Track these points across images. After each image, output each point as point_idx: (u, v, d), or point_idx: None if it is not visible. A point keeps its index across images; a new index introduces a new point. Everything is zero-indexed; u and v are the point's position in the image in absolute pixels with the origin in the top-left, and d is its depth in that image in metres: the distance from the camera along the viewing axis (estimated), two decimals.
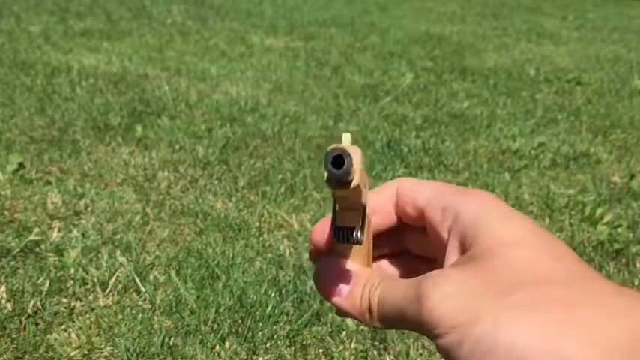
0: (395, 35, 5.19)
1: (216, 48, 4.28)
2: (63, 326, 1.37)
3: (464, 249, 0.28)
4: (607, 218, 1.96)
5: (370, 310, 0.30)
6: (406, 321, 0.27)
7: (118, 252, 1.65)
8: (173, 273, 1.58)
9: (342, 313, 0.31)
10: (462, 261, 0.28)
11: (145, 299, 1.49)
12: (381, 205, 0.33)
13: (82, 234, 1.73)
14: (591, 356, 0.22)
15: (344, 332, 1.41)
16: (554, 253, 0.26)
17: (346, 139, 0.28)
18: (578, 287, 0.24)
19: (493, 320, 0.24)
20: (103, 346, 1.32)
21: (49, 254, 1.62)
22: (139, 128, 2.53)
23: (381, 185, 0.34)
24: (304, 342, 1.38)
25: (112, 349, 1.32)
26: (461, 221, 0.29)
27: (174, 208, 1.92)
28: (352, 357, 1.34)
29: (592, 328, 0.22)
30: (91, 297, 1.48)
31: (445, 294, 0.26)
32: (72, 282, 1.52)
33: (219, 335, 1.36)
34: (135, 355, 1.30)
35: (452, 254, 0.29)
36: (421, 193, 0.32)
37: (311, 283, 1.55)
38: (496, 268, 0.26)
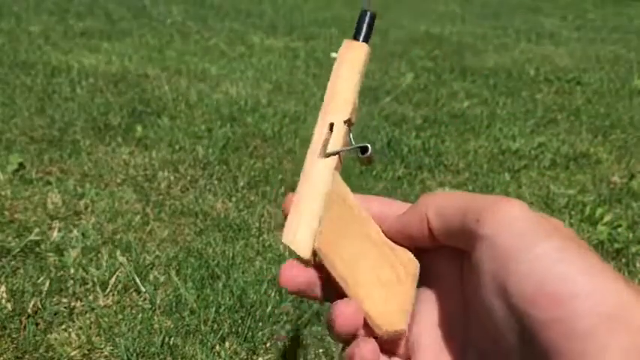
0: (395, 35, 5.19)
1: (216, 48, 4.28)
2: (63, 326, 1.37)
3: None
4: (607, 218, 1.96)
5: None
6: (463, 223, 0.27)
7: (118, 252, 1.65)
8: (173, 273, 1.58)
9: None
10: None
11: (145, 299, 1.49)
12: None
13: (82, 234, 1.73)
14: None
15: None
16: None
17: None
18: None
19: (554, 246, 0.24)
20: (103, 346, 1.32)
21: (49, 254, 1.62)
22: (139, 128, 2.53)
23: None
24: (304, 342, 1.38)
25: (112, 349, 1.32)
26: None
27: (174, 208, 1.92)
28: None
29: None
30: (91, 297, 1.48)
31: (519, 206, 0.26)
32: (72, 282, 1.52)
33: (219, 335, 1.36)
34: (135, 355, 1.30)
35: None
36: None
37: None
38: None
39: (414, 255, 0.32)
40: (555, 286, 0.23)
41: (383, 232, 0.32)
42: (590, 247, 0.24)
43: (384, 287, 0.30)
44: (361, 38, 0.32)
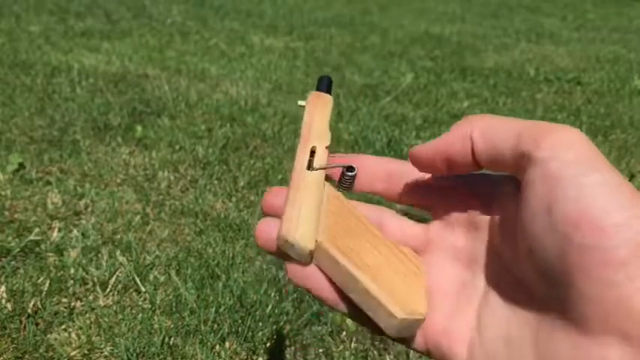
0: (395, 35, 5.19)
1: (216, 48, 4.28)
2: (63, 326, 1.37)
3: None
4: None
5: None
6: (519, 143, 0.26)
7: (118, 252, 1.65)
8: (173, 273, 1.58)
9: None
10: None
11: (145, 299, 1.49)
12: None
13: (82, 234, 1.73)
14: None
15: (344, 332, 1.41)
16: None
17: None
18: None
19: (609, 178, 0.24)
20: (103, 346, 1.32)
21: (49, 254, 1.62)
22: (139, 128, 2.53)
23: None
24: (304, 342, 1.38)
25: (112, 349, 1.32)
26: None
27: (174, 208, 1.92)
28: (352, 357, 1.34)
29: None
30: (91, 297, 1.48)
31: (579, 134, 0.26)
32: (72, 282, 1.52)
33: (219, 335, 1.36)
34: (135, 355, 1.30)
35: None
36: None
37: None
38: None
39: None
40: (599, 214, 0.23)
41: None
42: (632, 185, 0.25)
43: (399, 278, 0.30)
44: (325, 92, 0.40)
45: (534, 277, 0.27)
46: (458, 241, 0.32)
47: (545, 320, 0.26)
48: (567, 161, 0.25)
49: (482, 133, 0.28)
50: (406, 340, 0.31)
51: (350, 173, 0.34)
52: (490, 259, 0.30)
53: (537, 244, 0.26)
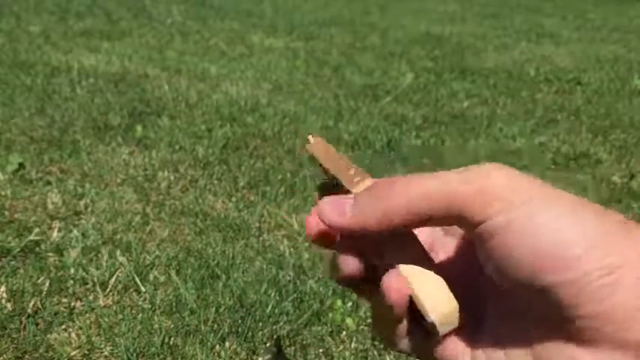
0: (395, 35, 5.19)
1: (216, 48, 4.28)
2: (63, 326, 1.37)
3: None
4: None
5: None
6: (451, 207, 0.26)
7: (118, 252, 1.65)
8: (173, 273, 1.58)
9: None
10: None
11: (145, 299, 1.49)
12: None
13: (82, 234, 1.73)
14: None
15: (344, 332, 1.41)
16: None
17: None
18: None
19: (554, 209, 0.25)
20: (103, 346, 1.32)
21: (49, 254, 1.62)
22: (139, 128, 2.53)
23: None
24: (304, 342, 1.38)
25: (112, 349, 1.32)
26: None
27: (174, 208, 1.92)
28: (352, 357, 1.34)
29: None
30: (91, 297, 1.48)
31: (507, 172, 0.26)
32: (72, 282, 1.52)
33: (219, 335, 1.36)
34: (135, 355, 1.30)
35: None
36: None
37: (311, 282, 1.55)
38: None
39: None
40: (559, 251, 0.24)
41: None
42: (579, 199, 0.26)
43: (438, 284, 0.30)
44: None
45: (524, 300, 0.27)
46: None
47: (541, 334, 0.26)
48: (507, 212, 0.25)
49: (416, 206, 0.27)
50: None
51: None
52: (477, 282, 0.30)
53: (512, 288, 0.26)
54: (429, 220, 0.27)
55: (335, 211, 0.29)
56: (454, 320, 0.28)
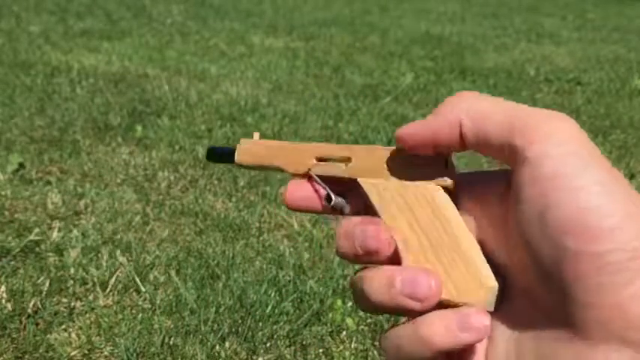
0: (395, 35, 5.19)
1: (216, 48, 4.28)
2: (63, 326, 1.37)
3: None
4: None
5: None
6: (512, 131, 0.26)
7: (118, 252, 1.65)
8: (173, 273, 1.58)
9: None
10: None
11: (145, 299, 1.49)
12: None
13: (82, 234, 1.73)
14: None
15: (344, 332, 1.41)
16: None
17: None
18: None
19: (603, 174, 0.24)
20: (103, 346, 1.32)
21: (49, 254, 1.62)
22: (139, 128, 2.53)
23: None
24: (304, 342, 1.38)
25: (112, 349, 1.32)
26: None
27: (174, 208, 1.92)
28: (352, 357, 1.34)
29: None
30: (91, 297, 1.48)
31: (572, 124, 0.26)
32: (72, 282, 1.52)
33: (219, 335, 1.36)
34: (135, 355, 1.30)
35: None
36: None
37: (311, 282, 1.55)
38: None
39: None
40: (591, 219, 0.23)
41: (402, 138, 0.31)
42: (627, 182, 0.25)
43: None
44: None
45: (535, 283, 0.26)
46: None
47: (547, 329, 0.25)
48: (558, 160, 0.24)
49: (472, 119, 0.27)
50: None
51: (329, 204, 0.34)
52: None
53: (532, 251, 0.25)
54: (485, 142, 0.27)
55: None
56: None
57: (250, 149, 0.36)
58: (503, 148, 0.27)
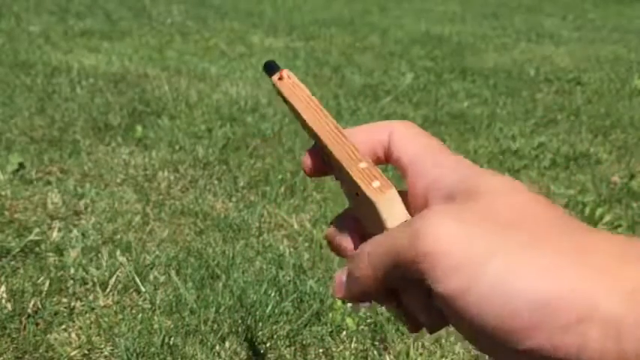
0: (395, 35, 5.19)
1: (216, 48, 4.28)
2: (63, 326, 1.37)
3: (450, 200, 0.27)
4: (607, 218, 1.96)
5: (360, 266, 0.27)
6: (402, 268, 0.25)
7: (118, 252, 1.65)
8: (173, 273, 1.58)
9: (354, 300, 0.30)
10: (458, 203, 0.25)
11: (145, 299, 1.49)
12: (368, 148, 0.32)
13: (82, 234, 1.73)
14: (618, 301, 0.20)
15: (344, 332, 1.41)
16: (554, 206, 0.25)
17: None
18: (581, 234, 0.23)
19: (506, 259, 0.21)
20: (103, 346, 1.32)
21: (49, 254, 1.62)
22: (139, 128, 2.53)
23: (373, 125, 0.32)
24: (304, 342, 1.38)
25: (112, 349, 1.32)
26: (443, 185, 0.27)
27: (174, 208, 1.92)
28: (352, 357, 1.34)
29: (610, 275, 0.21)
30: (91, 297, 1.48)
31: (447, 227, 0.23)
32: (72, 282, 1.52)
33: (219, 335, 1.36)
34: (135, 355, 1.30)
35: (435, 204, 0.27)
36: (407, 151, 0.30)
37: (311, 282, 1.55)
38: (501, 210, 0.24)
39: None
40: (525, 308, 0.21)
41: None
42: (536, 230, 0.23)
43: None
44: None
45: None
46: None
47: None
48: (453, 267, 0.22)
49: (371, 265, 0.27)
50: None
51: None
52: None
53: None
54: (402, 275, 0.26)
55: (336, 287, 0.30)
56: None
57: (288, 84, 0.37)
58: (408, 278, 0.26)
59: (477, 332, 0.23)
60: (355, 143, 0.32)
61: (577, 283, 0.21)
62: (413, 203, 0.29)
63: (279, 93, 0.37)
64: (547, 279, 0.21)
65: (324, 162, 0.34)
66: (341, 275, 0.31)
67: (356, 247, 0.31)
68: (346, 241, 0.32)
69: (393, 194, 0.29)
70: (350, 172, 0.30)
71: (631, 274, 0.21)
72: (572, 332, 0.20)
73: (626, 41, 5.49)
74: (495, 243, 0.22)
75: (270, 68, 0.38)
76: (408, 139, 0.31)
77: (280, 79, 0.37)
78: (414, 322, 0.30)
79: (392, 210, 0.29)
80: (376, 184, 0.29)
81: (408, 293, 0.28)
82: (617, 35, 5.84)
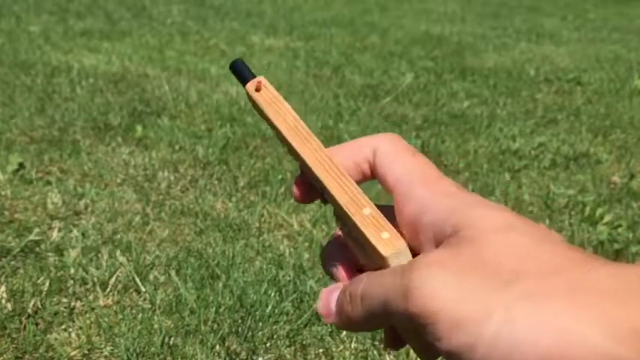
0: (395, 35, 5.19)
1: (216, 48, 4.28)
2: (63, 326, 1.37)
3: (440, 239, 0.26)
4: (607, 218, 1.96)
5: (353, 306, 0.27)
6: (398, 318, 0.24)
7: (118, 252, 1.65)
8: (173, 273, 1.58)
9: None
10: (450, 247, 0.24)
11: (145, 299, 1.49)
12: (353, 164, 0.30)
13: (82, 234, 1.73)
14: (613, 342, 0.20)
15: (344, 332, 1.41)
16: (547, 238, 0.24)
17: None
18: (580, 273, 0.23)
19: (506, 314, 0.21)
20: (103, 346, 1.32)
21: (49, 254, 1.62)
22: (139, 128, 2.53)
23: (357, 141, 0.31)
24: (304, 342, 1.38)
25: (112, 349, 1.32)
26: (432, 214, 0.27)
27: (174, 208, 1.92)
28: (352, 357, 1.34)
29: (605, 315, 0.21)
30: (91, 297, 1.48)
31: (441, 283, 0.23)
32: (72, 282, 1.52)
33: (219, 335, 1.36)
34: (135, 355, 1.30)
35: (426, 246, 0.27)
36: (392, 170, 0.29)
37: (311, 282, 1.55)
38: (494, 254, 0.23)
39: None
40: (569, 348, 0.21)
41: None
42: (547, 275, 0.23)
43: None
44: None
45: None
46: None
47: None
48: (451, 319, 0.22)
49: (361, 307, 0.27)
50: None
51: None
52: None
53: None
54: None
55: (323, 309, 0.30)
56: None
57: (267, 99, 0.34)
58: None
59: None
60: (341, 161, 0.30)
61: (573, 325, 0.21)
62: (400, 222, 0.29)
63: (255, 106, 0.33)
64: (545, 329, 0.21)
65: (312, 187, 0.32)
66: (329, 295, 0.30)
67: (348, 275, 0.31)
68: (338, 272, 0.31)
69: (403, 247, 0.28)
70: (353, 219, 0.29)
71: (629, 313, 0.21)
72: None
73: (626, 41, 5.49)
74: (493, 296, 0.22)
75: (240, 72, 0.34)
76: (393, 157, 0.30)
77: (257, 90, 0.33)
78: (396, 345, 0.30)
79: (401, 262, 0.27)
80: (385, 235, 0.28)
81: (405, 333, 0.27)
82: (617, 35, 5.84)
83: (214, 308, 1.44)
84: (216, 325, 1.40)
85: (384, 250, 0.27)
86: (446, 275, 0.23)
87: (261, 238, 1.78)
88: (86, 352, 1.31)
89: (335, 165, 0.30)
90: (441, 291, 0.22)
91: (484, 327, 0.21)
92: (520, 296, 0.22)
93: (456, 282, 0.23)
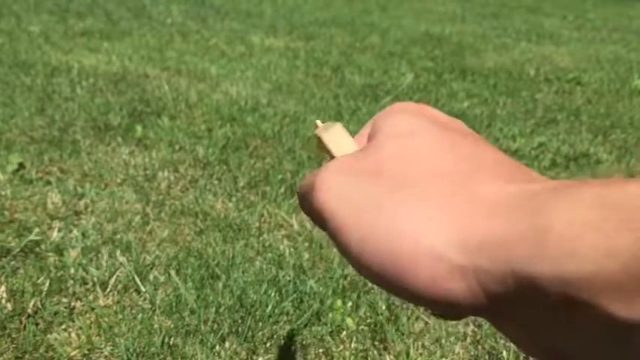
0: (395, 35, 5.19)
1: (216, 48, 4.28)
2: (63, 326, 1.37)
3: None
4: None
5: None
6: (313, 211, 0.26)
7: (118, 252, 1.65)
8: (173, 273, 1.58)
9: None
10: (361, 152, 0.26)
11: (145, 299, 1.49)
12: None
13: (82, 234, 1.73)
14: (451, 248, 0.20)
15: (344, 332, 1.41)
16: (456, 143, 0.24)
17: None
18: (468, 180, 0.22)
19: (374, 220, 0.22)
20: (103, 346, 1.32)
21: (49, 254, 1.62)
22: (139, 128, 2.53)
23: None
24: (304, 342, 1.38)
25: (112, 349, 1.32)
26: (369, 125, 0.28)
27: (174, 208, 1.92)
28: (352, 357, 1.34)
29: (461, 223, 0.20)
30: (91, 297, 1.48)
31: (334, 183, 0.24)
32: (72, 282, 1.52)
33: (219, 335, 1.36)
34: (135, 355, 1.30)
35: None
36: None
37: (311, 282, 1.55)
38: (390, 160, 0.24)
39: None
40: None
41: None
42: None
43: None
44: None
45: None
46: None
47: None
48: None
49: None
50: None
51: None
52: None
53: None
54: None
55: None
56: None
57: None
58: None
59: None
60: None
61: (416, 229, 0.21)
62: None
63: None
64: (393, 234, 0.21)
65: None
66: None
67: None
68: None
69: (339, 127, 0.30)
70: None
71: (491, 226, 0.20)
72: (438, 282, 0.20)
73: (626, 41, 5.49)
74: (377, 200, 0.23)
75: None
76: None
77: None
78: None
79: (339, 140, 0.29)
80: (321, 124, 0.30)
81: None
82: (617, 35, 5.84)
83: (214, 308, 1.44)
84: (216, 325, 1.40)
85: (318, 131, 0.30)
86: (339, 177, 0.24)
87: (261, 238, 1.78)
88: (86, 352, 1.31)
89: None
90: (331, 191, 0.24)
91: (359, 230, 0.22)
92: (400, 201, 0.22)
93: (347, 186, 0.24)
